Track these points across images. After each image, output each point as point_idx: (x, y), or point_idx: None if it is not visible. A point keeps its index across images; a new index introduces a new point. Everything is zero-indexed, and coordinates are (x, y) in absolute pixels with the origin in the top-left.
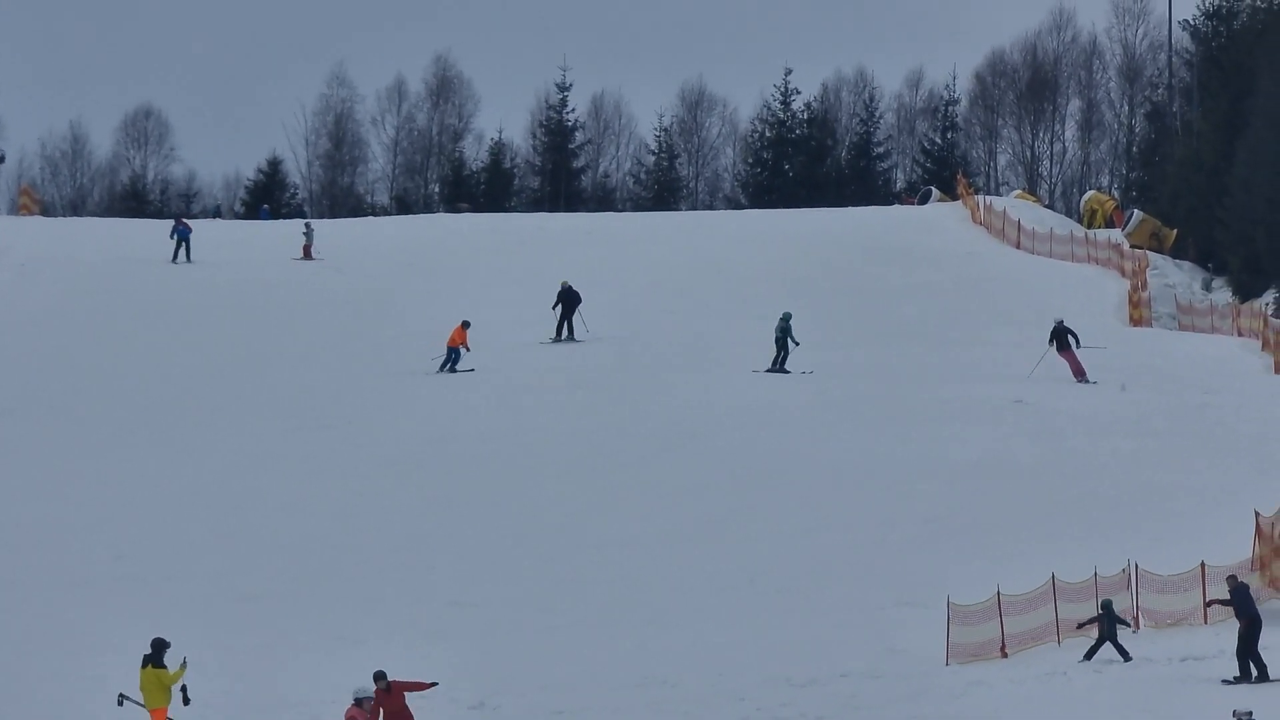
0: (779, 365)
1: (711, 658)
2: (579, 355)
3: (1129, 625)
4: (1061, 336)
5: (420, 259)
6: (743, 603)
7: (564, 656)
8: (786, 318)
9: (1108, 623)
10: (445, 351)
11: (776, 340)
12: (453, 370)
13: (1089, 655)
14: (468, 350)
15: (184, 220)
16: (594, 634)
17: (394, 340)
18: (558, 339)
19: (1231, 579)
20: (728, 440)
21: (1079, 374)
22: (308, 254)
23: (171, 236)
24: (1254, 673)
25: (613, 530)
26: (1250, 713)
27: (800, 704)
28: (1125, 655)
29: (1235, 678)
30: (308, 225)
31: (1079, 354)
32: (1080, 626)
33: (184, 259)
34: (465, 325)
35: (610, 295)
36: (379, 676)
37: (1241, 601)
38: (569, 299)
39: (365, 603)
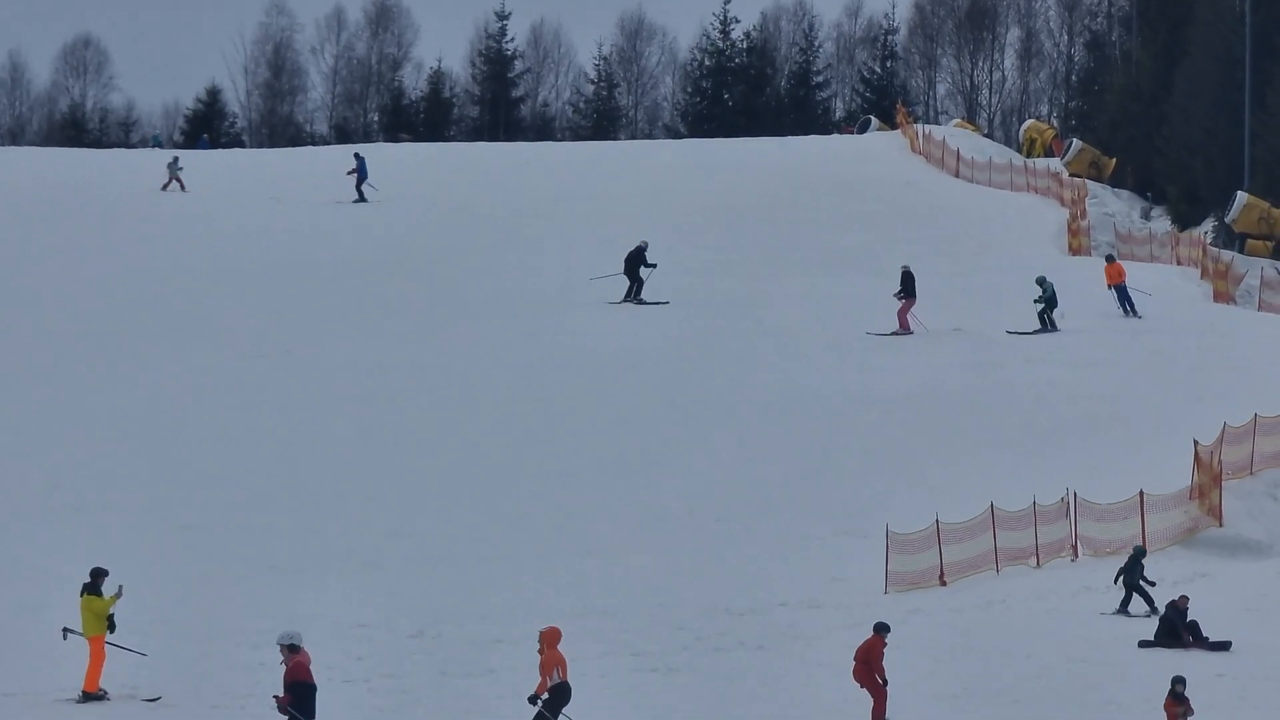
0: (633, 296)
1: (650, 588)
2: (517, 285)
3: (1155, 584)
4: (909, 283)
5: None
6: (681, 533)
7: (502, 587)
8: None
9: (1135, 571)
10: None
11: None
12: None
13: (1123, 606)
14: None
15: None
16: (532, 564)
17: (331, 270)
18: (627, 299)
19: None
20: (664, 371)
21: (903, 326)
22: (181, 186)
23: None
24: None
25: (550, 461)
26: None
27: (739, 633)
28: (1152, 606)
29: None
30: (175, 159)
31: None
32: (1115, 581)
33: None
34: None
35: (548, 226)
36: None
37: None
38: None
39: (303, 533)
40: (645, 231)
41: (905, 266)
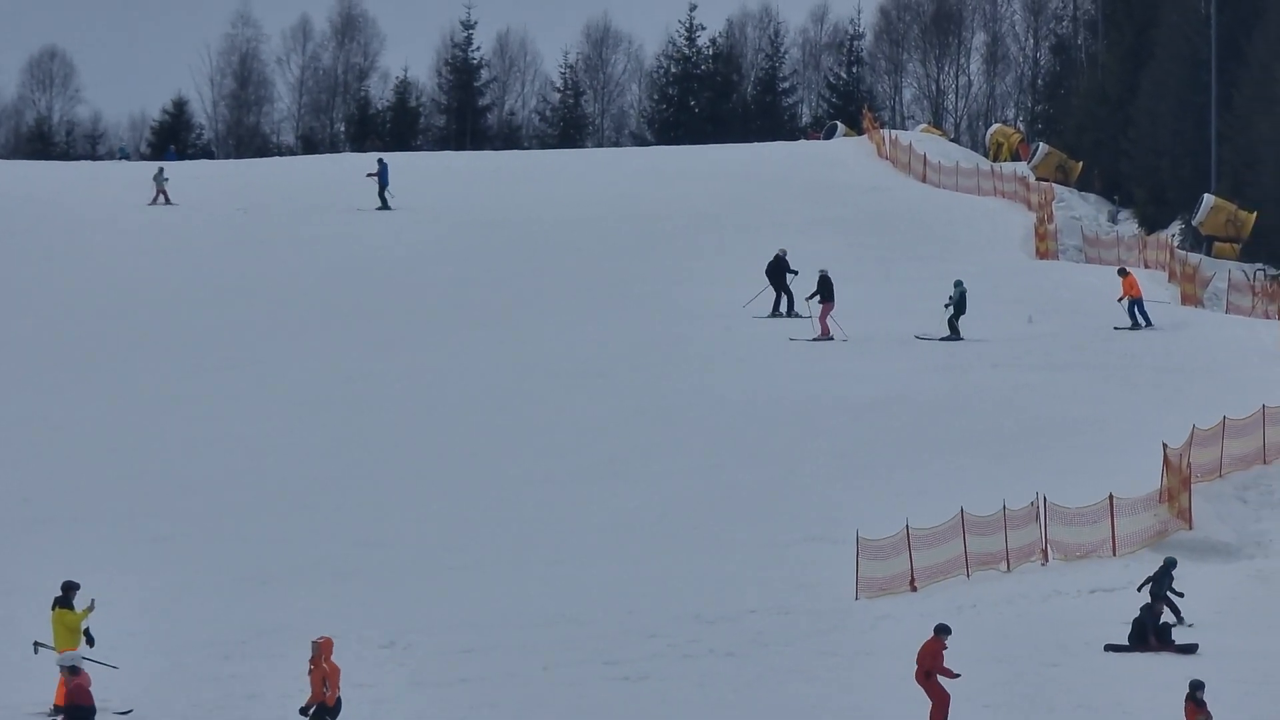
0: (787, 307)
1: (620, 595)
2: (485, 295)
3: (1183, 595)
4: (827, 287)
5: (326, 199)
6: (651, 540)
7: (473, 595)
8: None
9: (1165, 581)
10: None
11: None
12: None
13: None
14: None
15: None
16: (503, 572)
17: (300, 280)
18: (775, 313)
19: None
20: (634, 378)
21: (824, 332)
22: (166, 199)
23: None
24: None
25: (520, 469)
26: (1202, 683)
27: (709, 640)
28: (1179, 617)
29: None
30: (161, 169)
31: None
32: (1139, 588)
33: (163, 201)
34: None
35: (516, 233)
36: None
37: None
38: (778, 270)
39: (273, 543)
40: (612, 238)
41: (823, 270)
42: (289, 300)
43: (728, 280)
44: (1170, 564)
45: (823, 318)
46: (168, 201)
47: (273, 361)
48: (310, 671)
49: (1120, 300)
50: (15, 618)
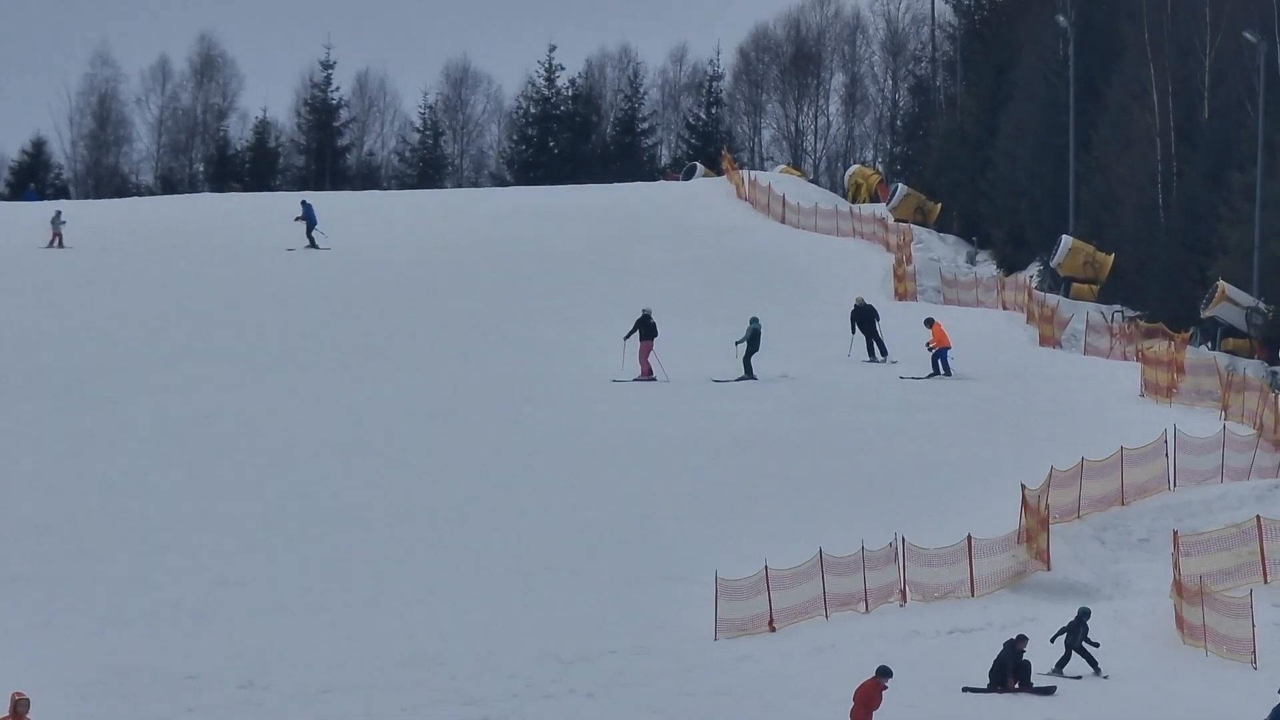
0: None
1: (480, 635)
2: (343, 335)
3: (1098, 645)
4: (646, 326)
5: (185, 239)
6: (510, 579)
7: (332, 635)
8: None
9: (1079, 632)
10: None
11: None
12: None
13: (1059, 667)
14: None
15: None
16: (361, 612)
17: (156, 320)
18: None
19: None
20: (492, 417)
21: (646, 373)
22: (59, 242)
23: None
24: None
25: (378, 509)
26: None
27: (569, 680)
28: (1095, 667)
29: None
30: (58, 213)
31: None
32: (1053, 639)
33: (58, 245)
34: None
35: (374, 274)
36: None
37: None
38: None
39: (130, 583)
40: (470, 279)
41: (645, 310)
42: (146, 340)
43: (586, 320)
44: (1084, 614)
45: (642, 357)
46: (61, 245)
47: (130, 401)
48: None
49: (929, 346)
50: None
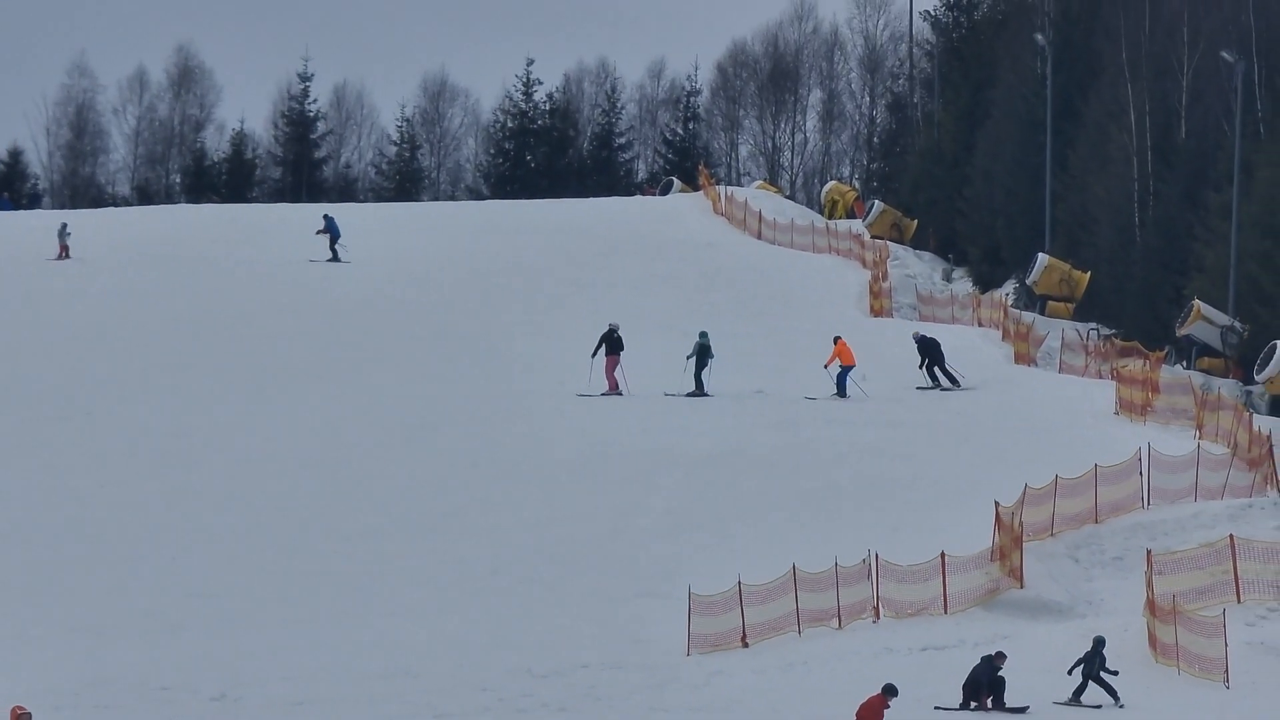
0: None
1: (453, 649)
2: (318, 348)
3: (1117, 673)
4: (612, 341)
5: (162, 251)
6: (484, 594)
7: (305, 648)
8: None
9: (1096, 662)
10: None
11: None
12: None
13: (1075, 696)
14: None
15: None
16: (335, 625)
17: (132, 331)
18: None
19: None
20: (468, 431)
21: (612, 387)
22: (66, 253)
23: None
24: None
25: (354, 522)
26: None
27: (542, 694)
28: (1114, 696)
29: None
30: (64, 225)
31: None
32: (1070, 671)
33: (65, 257)
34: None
35: (349, 287)
36: None
37: None
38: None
39: (105, 594)
40: (446, 292)
41: (612, 324)
42: (125, 352)
43: (562, 335)
44: (1099, 643)
45: (608, 372)
46: (67, 256)
47: (107, 413)
48: None
49: (828, 366)
50: None
